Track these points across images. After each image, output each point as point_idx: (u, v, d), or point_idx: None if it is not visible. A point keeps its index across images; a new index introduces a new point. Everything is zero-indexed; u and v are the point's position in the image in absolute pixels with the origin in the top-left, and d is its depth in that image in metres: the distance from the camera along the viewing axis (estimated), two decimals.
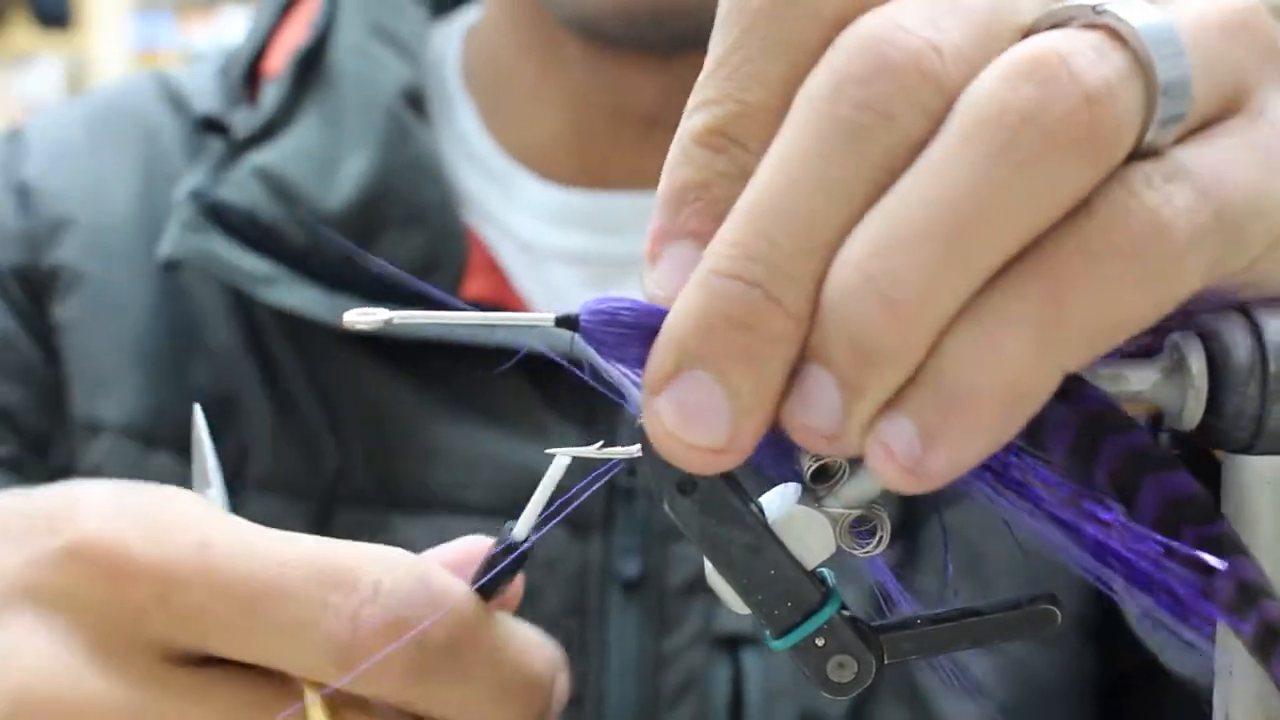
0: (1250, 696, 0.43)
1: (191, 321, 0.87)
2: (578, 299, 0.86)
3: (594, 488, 0.46)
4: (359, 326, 0.44)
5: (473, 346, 0.83)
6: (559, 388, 0.84)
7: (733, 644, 0.82)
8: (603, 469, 0.46)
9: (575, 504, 0.47)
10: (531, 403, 0.84)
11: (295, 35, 0.92)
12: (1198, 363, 0.42)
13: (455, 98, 0.94)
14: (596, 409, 0.83)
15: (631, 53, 0.85)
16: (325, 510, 0.84)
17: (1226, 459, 0.42)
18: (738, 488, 0.43)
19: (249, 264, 0.83)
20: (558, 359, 0.82)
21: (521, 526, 0.49)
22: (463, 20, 0.99)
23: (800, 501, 0.43)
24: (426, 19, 0.96)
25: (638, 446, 0.43)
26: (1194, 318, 0.43)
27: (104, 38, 3.73)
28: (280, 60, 0.91)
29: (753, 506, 0.43)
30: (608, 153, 0.90)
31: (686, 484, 0.42)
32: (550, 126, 0.90)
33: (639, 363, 0.40)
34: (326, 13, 0.91)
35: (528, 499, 0.83)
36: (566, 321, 0.44)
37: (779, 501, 0.43)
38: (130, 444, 0.85)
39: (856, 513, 0.43)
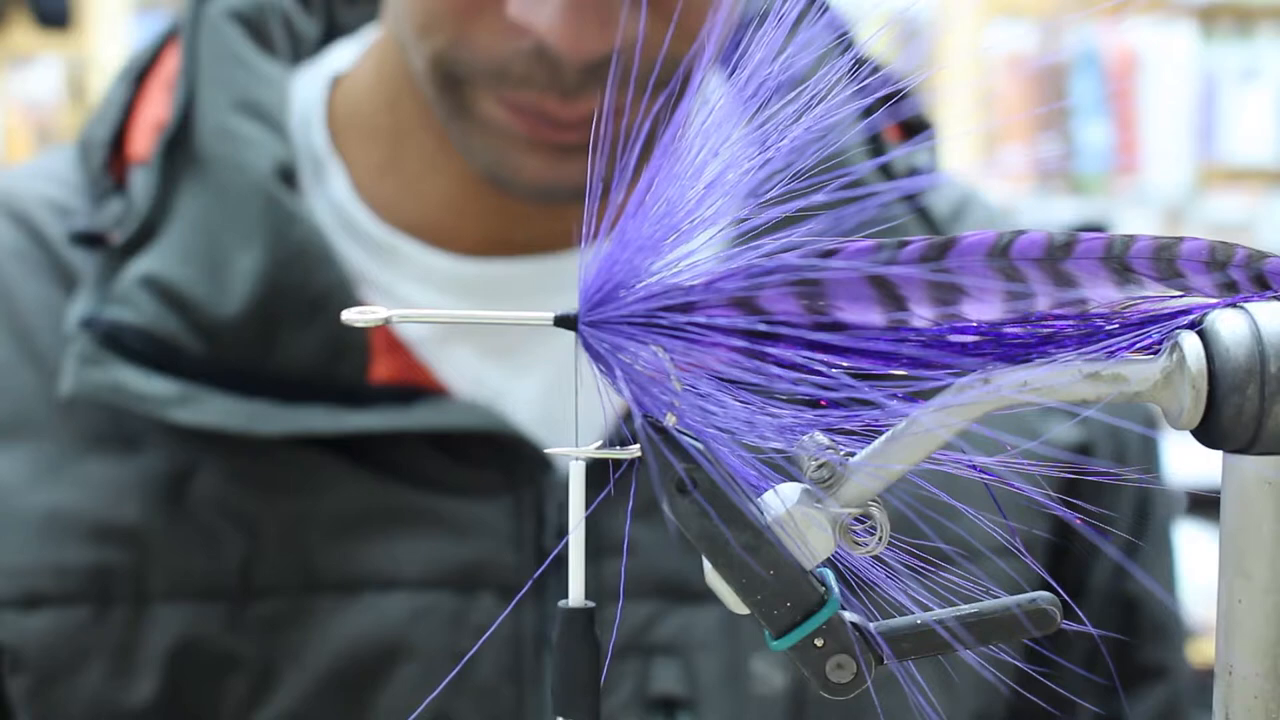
0: (1250, 696, 0.43)
1: (57, 459, 0.83)
2: (487, 375, 0.85)
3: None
4: (358, 324, 0.44)
5: (392, 432, 0.81)
6: (478, 457, 0.82)
7: (668, 706, 0.81)
8: (624, 464, 0.46)
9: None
10: (451, 471, 0.83)
11: (155, 108, 0.88)
12: (1198, 363, 0.42)
13: (324, 159, 0.88)
14: (517, 470, 0.82)
15: None
16: (238, 606, 0.81)
17: (1226, 459, 0.42)
18: (737, 488, 0.43)
19: (155, 387, 0.79)
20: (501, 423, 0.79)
21: (574, 593, 0.47)
22: (327, 65, 0.92)
23: (799, 502, 0.43)
24: (286, 75, 0.90)
25: (637, 446, 0.43)
26: (1194, 317, 0.43)
27: (104, 38, 3.72)
28: (144, 139, 0.86)
29: (752, 506, 0.43)
30: (509, 221, 0.86)
31: (686, 484, 0.42)
32: (445, 197, 0.86)
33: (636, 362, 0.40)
34: (186, 86, 0.86)
35: (460, 567, 0.81)
36: (565, 321, 0.44)
37: (778, 501, 0.43)
38: (8, 615, 0.81)
39: (855, 512, 0.43)
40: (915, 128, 0.90)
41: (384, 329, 0.84)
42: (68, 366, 0.80)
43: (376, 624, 0.81)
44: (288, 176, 0.85)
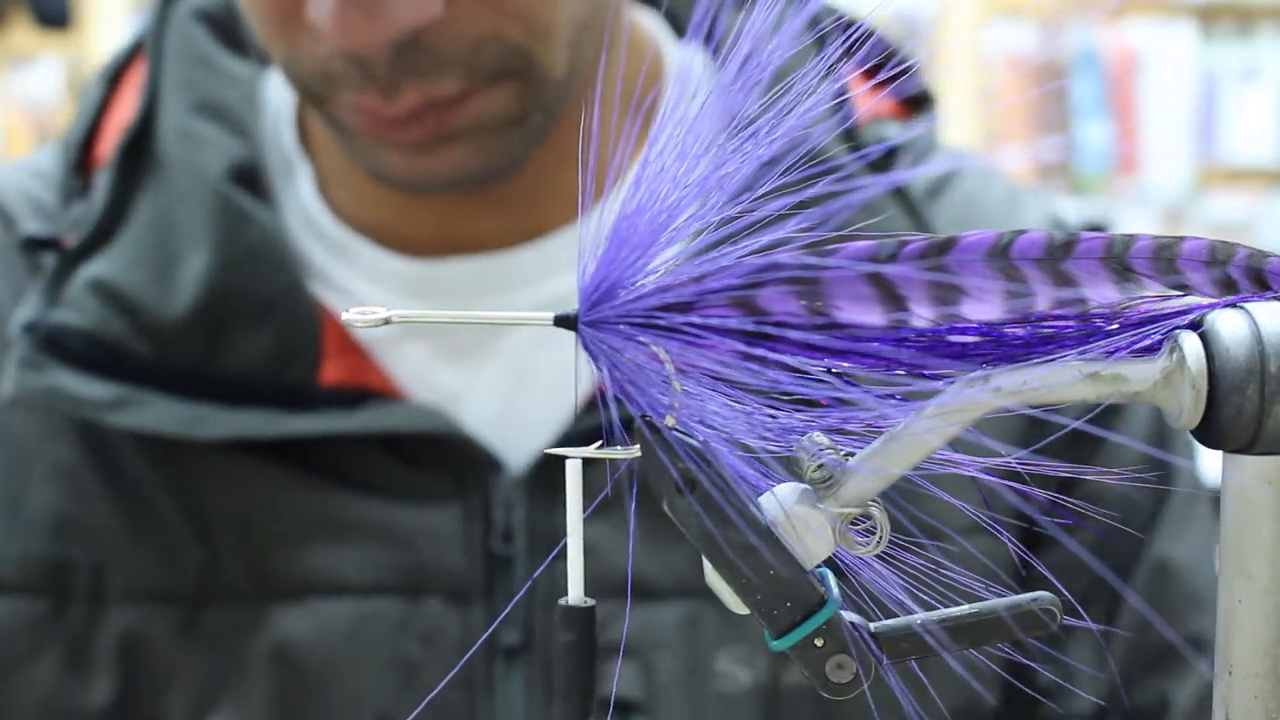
0: (1250, 696, 0.43)
1: (23, 450, 0.83)
2: (441, 376, 0.84)
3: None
4: (358, 325, 0.44)
5: (335, 435, 0.81)
6: (427, 459, 0.82)
7: (623, 710, 0.80)
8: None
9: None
10: (399, 474, 0.82)
11: (126, 109, 0.88)
12: (1198, 363, 0.42)
13: (293, 159, 0.88)
14: (465, 473, 0.81)
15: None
16: (192, 612, 0.81)
17: (1226, 459, 0.42)
18: (736, 488, 0.43)
19: (95, 391, 0.79)
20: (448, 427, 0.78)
21: (574, 590, 0.46)
22: None
23: (799, 502, 0.43)
24: (255, 73, 0.89)
25: (637, 446, 0.43)
26: (1194, 317, 0.43)
27: (104, 38, 3.72)
28: (111, 141, 0.86)
29: (751, 507, 0.43)
30: (449, 219, 0.85)
31: (685, 484, 0.42)
32: (388, 198, 0.85)
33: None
34: (149, 89, 0.86)
35: (406, 572, 0.80)
36: (565, 321, 0.43)
37: (777, 502, 0.43)
38: None
39: (855, 512, 0.43)
40: (918, 103, 0.90)
41: (338, 330, 0.84)
42: (8, 370, 0.80)
43: (322, 630, 0.80)
44: (246, 177, 0.84)
